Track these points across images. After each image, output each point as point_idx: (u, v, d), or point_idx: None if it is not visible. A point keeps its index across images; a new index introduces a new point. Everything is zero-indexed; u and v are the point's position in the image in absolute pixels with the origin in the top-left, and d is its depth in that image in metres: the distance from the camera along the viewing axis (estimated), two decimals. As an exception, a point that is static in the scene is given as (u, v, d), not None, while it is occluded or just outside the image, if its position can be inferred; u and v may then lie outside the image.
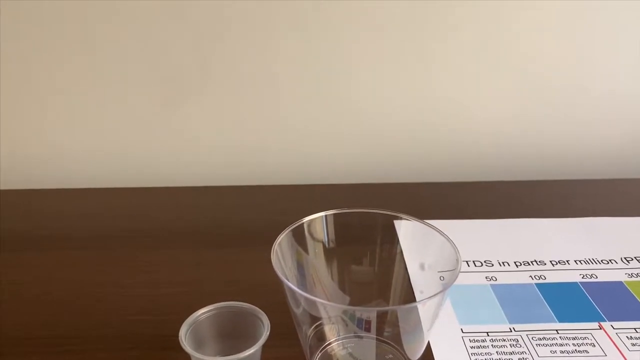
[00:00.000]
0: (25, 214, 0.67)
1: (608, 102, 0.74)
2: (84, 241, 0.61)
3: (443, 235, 0.42)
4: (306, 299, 0.39)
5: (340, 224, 0.46)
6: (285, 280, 0.38)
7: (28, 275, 0.55)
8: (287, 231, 0.43)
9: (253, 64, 0.70)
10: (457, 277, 0.38)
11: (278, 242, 0.41)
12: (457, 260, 0.39)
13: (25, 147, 0.73)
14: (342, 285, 0.47)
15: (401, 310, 0.41)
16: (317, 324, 0.42)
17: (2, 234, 0.62)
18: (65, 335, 0.47)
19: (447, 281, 0.39)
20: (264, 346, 0.41)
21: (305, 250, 0.45)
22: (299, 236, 0.44)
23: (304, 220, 0.44)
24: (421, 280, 0.46)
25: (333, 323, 0.42)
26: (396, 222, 0.46)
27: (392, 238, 0.46)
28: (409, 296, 0.46)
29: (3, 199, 0.69)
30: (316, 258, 0.46)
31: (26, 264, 0.57)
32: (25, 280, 0.54)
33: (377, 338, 0.43)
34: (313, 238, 0.45)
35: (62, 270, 0.56)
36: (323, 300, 0.40)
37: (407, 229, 0.46)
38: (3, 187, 0.72)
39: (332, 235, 0.46)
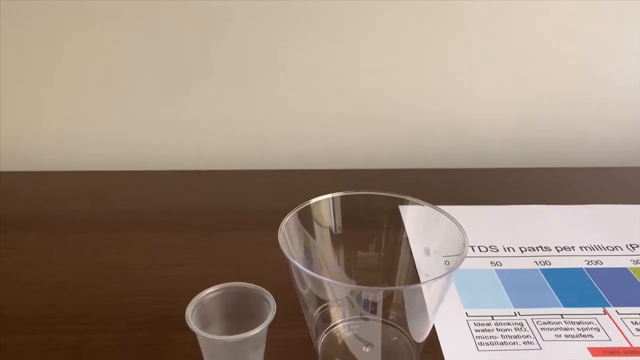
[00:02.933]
0: (30, 197, 0.67)
1: (614, 91, 0.74)
2: (88, 224, 0.61)
3: (450, 218, 0.42)
4: (313, 278, 0.39)
5: (346, 207, 0.45)
6: (292, 259, 0.38)
7: (33, 256, 0.55)
8: (293, 212, 0.42)
9: (257, 48, 0.69)
10: (464, 259, 0.38)
11: (285, 222, 0.41)
12: (464, 243, 0.39)
13: (29, 130, 0.73)
14: (349, 270, 0.46)
15: (407, 290, 0.41)
16: (323, 305, 0.42)
17: (7, 216, 0.62)
18: (70, 315, 0.47)
19: (454, 263, 0.39)
20: (270, 327, 0.41)
21: (312, 232, 0.45)
22: (305, 218, 0.44)
23: (310, 202, 0.44)
24: (426, 266, 0.46)
25: (339, 305, 0.42)
26: (402, 207, 0.45)
27: (397, 223, 0.46)
28: (415, 281, 0.46)
29: (7, 182, 0.69)
30: (323, 242, 0.45)
31: (31, 245, 0.57)
32: (30, 261, 0.55)
33: (382, 320, 0.43)
34: (319, 220, 0.45)
35: (67, 252, 0.56)
36: (329, 279, 0.40)
37: (413, 214, 0.46)
38: (7, 170, 0.73)
39: (339, 218, 0.45)
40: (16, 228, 0.60)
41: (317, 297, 0.41)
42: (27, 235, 0.58)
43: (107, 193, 0.67)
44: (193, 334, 0.40)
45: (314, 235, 0.45)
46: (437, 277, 0.37)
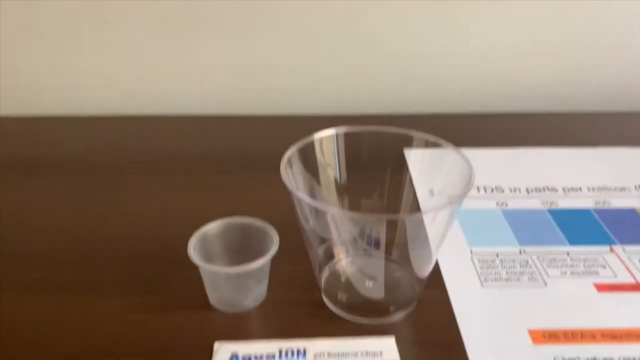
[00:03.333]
0: (36, 141, 0.66)
1: (623, 33, 0.71)
2: (90, 166, 0.60)
3: (456, 151, 0.41)
4: (316, 212, 0.38)
5: (350, 144, 0.44)
6: (295, 191, 0.37)
7: (36, 198, 0.55)
8: (297, 146, 0.42)
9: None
10: (471, 187, 0.37)
11: (287, 156, 0.41)
12: (470, 174, 0.38)
13: (29, 74, 0.72)
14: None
15: (409, 223, 0.40)
16: (326, 242, 0.42)
17: (9, 159, 0.62)
18: (74, 253, 0.47)
19: (460, 193, 0.38)
20: (273, 262, 0.41)
21: (315, 169, 0.44)
22: (308, 154, 0.43)
23: (314, 137, 0.43)
24: (430, 205, 0.45)
25: (342, 240, 0.41)
26: (406, 149, 0.44)
27: (402, 163, 0.45)
28: (419, 219, 0.45)
29: (7, 126, 0.69)
30: (326, 181, 0.44)
31: (36, 188, 0.57)
32: (34, 203, 0.54)
33: (386, 257, 0.43)
34: (323, 157, 0.44)
35: (69, 193, 0.56)
36: (332, 209, 0.39)
37: (417, 154, 0.45)
38: (7, 114, 0.72)
39: (342, 155, 0.44)
40: (18, 171, 0.59)
41: (321, 232, 0.40)
42: (30, 178, 0.58)
43: (109, 137, 0.67)
44: (196, 270, 0.40)
45: (317, 173, 0.44)
46: (441, 207, 0.37)
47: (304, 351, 0.37)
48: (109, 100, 0.73)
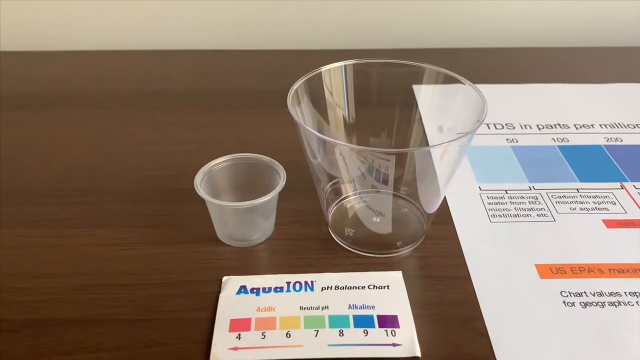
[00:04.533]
0: (36, 76, 0.65)
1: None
2: (95, 101, 0.60)
3: (468, 83, 0.40)
4: (324, 146, 0.38)
5: (359, 78, 0.43)
6: (304, 125, 0.36)
7: (40, 133, 0.55)
8: (305, 78, 0.40)
9: None
10: (483, 120, 0.36)
11: (295, 88, 0.39)
12: (483, 106, 0.37)
13: (30, 9, 0.70)
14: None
15: (418, 156, 0.40)
16: (334, 178, 0.41)
17: (12, 94, 0.61)
18: (80, 188, 0.47)
19: (472, 126, 0.37)
20: (281, 199, 0.41)
21: (323, 105, 0.43)
22: (316, 86, 0.41)
23: (322, 69, 0.42)
24: (440, 141, 0.45)
25: (351, 176, 0.41)
26: (415, 86, 0.43)
27: (411, 100, 0.44)
28: (428, 157, 0.44)
29: (9, 61, 0.67)
30: (335, 120, 0.43)
31: (38, 122, 0.56)
32: (38, 137, 0.54)
33: (394, 194, 0.42)
34: (331, 90, 0.43)
35: (75, 128, 0.55)
36: (340, 142, 0.39)
37: (426, 91, 0.43)
38: (12, 49, 0.70)
39: (351, 88, 0.43)
40: (21, 106, 0.59)
41: (329, 169, 0.40)
42: (34, 113, 0.57)
43: (112, 72, 0.66)
44: (203, 205, 0.40)
45: (325, 109, 0.43)
46: (452, 139, 0.36)
47: (312, 284, 0.37)
48: (111, 35, 0.72)
